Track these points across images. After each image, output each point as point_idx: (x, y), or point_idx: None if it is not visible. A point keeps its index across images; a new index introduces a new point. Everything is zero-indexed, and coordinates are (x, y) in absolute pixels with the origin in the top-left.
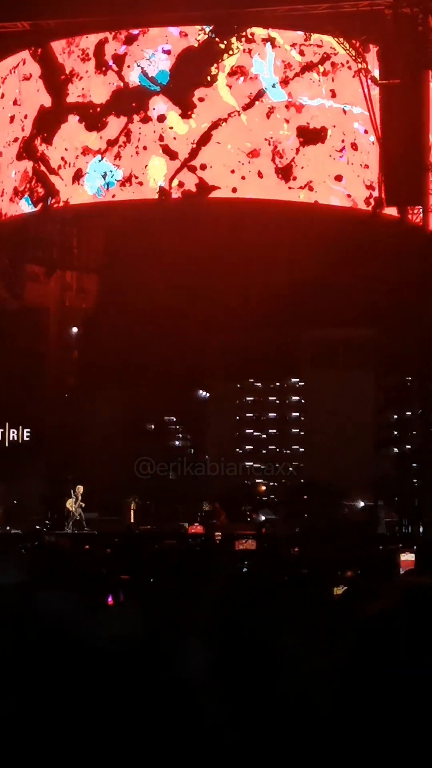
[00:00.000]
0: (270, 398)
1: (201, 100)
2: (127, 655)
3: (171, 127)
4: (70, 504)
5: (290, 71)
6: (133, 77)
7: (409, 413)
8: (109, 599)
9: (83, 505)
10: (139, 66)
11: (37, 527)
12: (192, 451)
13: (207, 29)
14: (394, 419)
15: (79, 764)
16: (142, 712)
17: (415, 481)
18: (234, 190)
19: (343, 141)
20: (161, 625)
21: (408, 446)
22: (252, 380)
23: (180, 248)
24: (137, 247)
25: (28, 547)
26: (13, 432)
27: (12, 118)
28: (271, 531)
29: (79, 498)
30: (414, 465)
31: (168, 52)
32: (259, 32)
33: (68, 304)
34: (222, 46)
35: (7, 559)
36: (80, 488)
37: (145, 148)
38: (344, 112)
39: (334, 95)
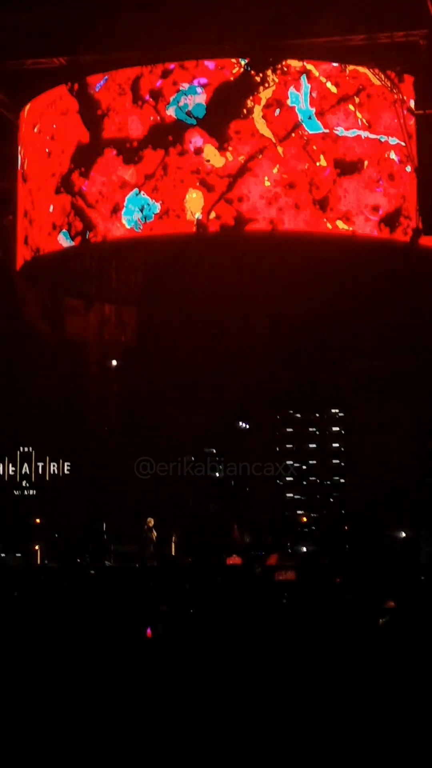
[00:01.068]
0: (310, 429)
1: (237, 132)
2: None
3: (208, 160)
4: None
5: (326, 103)
6: (170, 111)
7: None
8: (148, 631)
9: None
10: (175, 100)
11: (78, 560)
12: (233, 483)
13: (243, 62)
14: None
15: None
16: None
17: None
18: (271, 222)
19: (379, 172)
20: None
21: None
22: (292, 411)
23: (218, 280)
24: (175, 280)
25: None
26: (54, 465)
27: (49, 153)
28: (312, 561)
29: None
30: None
31: (204, 86)
32: (295, 64)
33: (107, 338)
34: (258, 78)
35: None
36: (151, 520)
37: (182, 181)
38: (380, 142)
39: (370, 126)
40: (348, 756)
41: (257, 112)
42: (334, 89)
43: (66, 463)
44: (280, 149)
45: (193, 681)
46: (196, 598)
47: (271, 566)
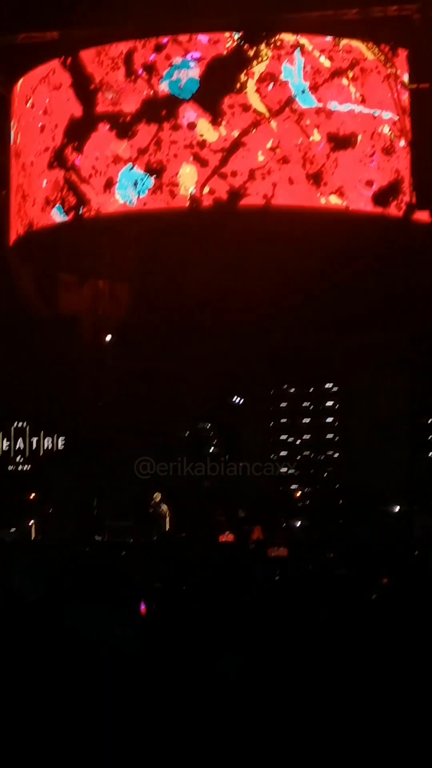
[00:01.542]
0: (304, 404)
1: (231, 107)
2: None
3: (201, 135)
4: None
5: (319, 77)
6: (163, 85)
7: None
8: (142, 607)
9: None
10: (169, 74)
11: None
12: (226, 457)
13: (236, 36)
14: (430, 423)
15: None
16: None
17: None
18: (265, 196)
19: (373, 146)
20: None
21: None
22: (286, 386)
23: (212, 255)
24: (169, 255)
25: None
26: (48, 440)
27: (42, 128)
28: (304, 537)
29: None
30: None
31: (198, 60)
32: (288, 38)
33: (101, 313)
34: (251, 53)
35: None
36: (158, 495)
37: (176, 156)
38: (374, 117)
39: (363, 100)
40: (341, 734)
41: (251, 86)
42: (327, 63)
43: (60, 438)
44: (273, 124)
45: (185, 662)
46: (190, 575)
47: (263, 542)
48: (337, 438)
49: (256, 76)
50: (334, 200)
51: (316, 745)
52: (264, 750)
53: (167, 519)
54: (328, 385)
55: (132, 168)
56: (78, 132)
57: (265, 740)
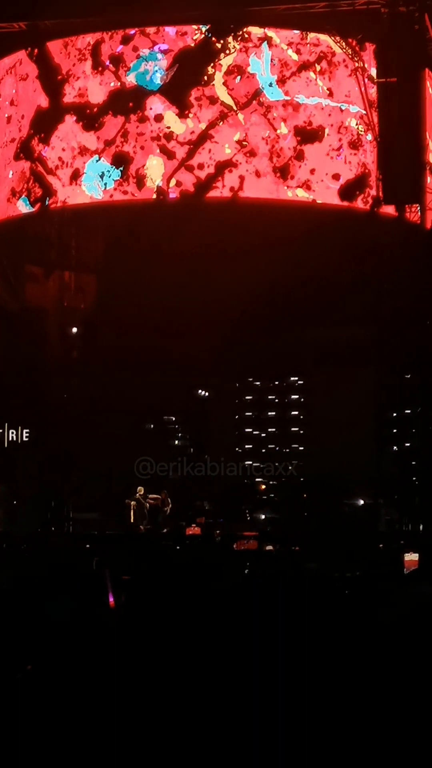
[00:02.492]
0: (269, 397)
1: (198, 99)
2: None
3: (168, 127)
4: (135, 503)
5: (287, 70)
6: (130, 77)
7: (409, 411)
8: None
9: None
10: (136, 66)
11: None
12: (192, 450)
13: (203, 29)
14: (394, 417)
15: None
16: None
17: (415, 479)
18: (232, 189)
19: (340, 140)
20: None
21: (408, 444)
22: (251, 379)
23: (178, 248)
24: (135, 247)
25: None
26: (13, 432)
27: (9, 119)
28: (271, 530)
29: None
30: (414, 463)
31: (165, 52)
32: (256, 31)
33: (67, 305)
34: (219, 45)
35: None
36: (141, 489)
37: (142, 147)
38: (341, 110)
39: (331, 94)
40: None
41: (218, 78)
42: (295, 57)
43: (25, 431)
44: (240, 116)
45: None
46: (157, 567)
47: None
48: (302, 431)
49: (224, 69)
50: (301, 193)
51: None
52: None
53: (145, 512)
54: (294, 379)
55: (99, 159)
56: (45, 123)
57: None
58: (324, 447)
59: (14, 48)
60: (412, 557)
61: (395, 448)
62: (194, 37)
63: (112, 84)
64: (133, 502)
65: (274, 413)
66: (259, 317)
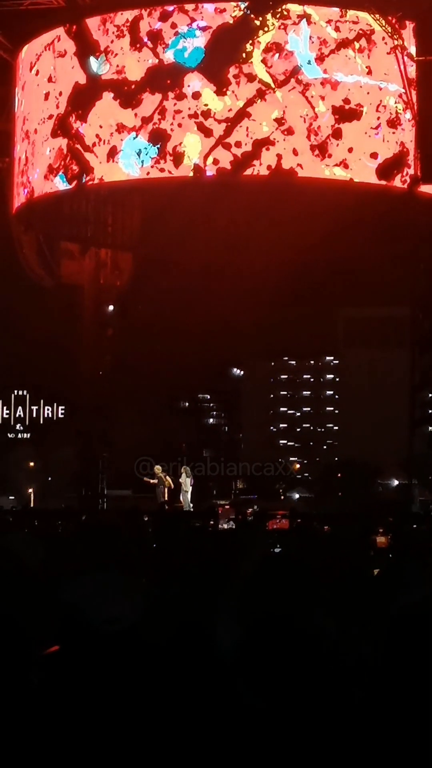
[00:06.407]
0: (304, 376)
1: (236, 77)
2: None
3: (206, 105)
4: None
5: (326, 48)
6: (168, 54)
7: None
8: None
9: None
10: (174, 43)
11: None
12: (226, 429)
13: (242, 5)
14: (429, 398)
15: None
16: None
17: None
18: (269, 167)
19: (378, 118)
20: (191, 606)
21: None
22: (286, 358)
23: (214, 226)
24: (171, 225)
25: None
26: (48, 409)
27: (47, 95)
28: (304, 509)
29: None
30: None
31: (203, 29)
32: (295, 8)
33: (103, 282)
34: (257, 22)
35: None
36: (158, 468)
37: (180, 125)
38: (380, 89)
39: (369, 72)
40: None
41: (256, 56)
42: (334, 34)
43: (60, 407)
44: (278, 94)
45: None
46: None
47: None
48: (336, 411)
49: (262, 46)
50: (339, 172)
51: (317, 726)
52: (263, 735)
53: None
54: (329, 358)
55: (136, 137)
56: (82, 100)
57: (264, 726)
58: (358, 427)
59: (53, 24)
60: None
61: (430, 428)
62: (233, 14)
63: (150, 61)
64: (153, 480)
65: (309, 393)
66: (294, 297)
